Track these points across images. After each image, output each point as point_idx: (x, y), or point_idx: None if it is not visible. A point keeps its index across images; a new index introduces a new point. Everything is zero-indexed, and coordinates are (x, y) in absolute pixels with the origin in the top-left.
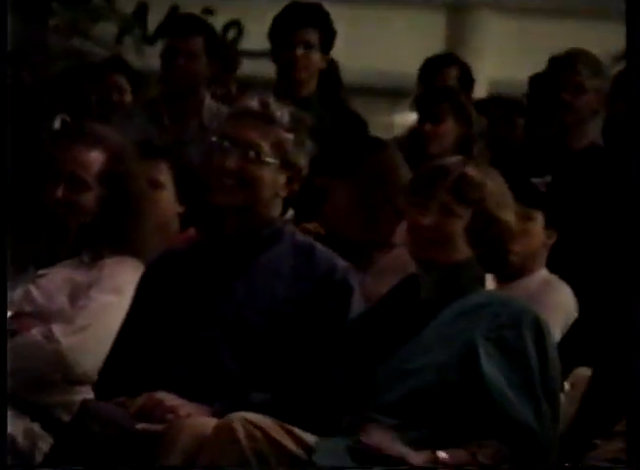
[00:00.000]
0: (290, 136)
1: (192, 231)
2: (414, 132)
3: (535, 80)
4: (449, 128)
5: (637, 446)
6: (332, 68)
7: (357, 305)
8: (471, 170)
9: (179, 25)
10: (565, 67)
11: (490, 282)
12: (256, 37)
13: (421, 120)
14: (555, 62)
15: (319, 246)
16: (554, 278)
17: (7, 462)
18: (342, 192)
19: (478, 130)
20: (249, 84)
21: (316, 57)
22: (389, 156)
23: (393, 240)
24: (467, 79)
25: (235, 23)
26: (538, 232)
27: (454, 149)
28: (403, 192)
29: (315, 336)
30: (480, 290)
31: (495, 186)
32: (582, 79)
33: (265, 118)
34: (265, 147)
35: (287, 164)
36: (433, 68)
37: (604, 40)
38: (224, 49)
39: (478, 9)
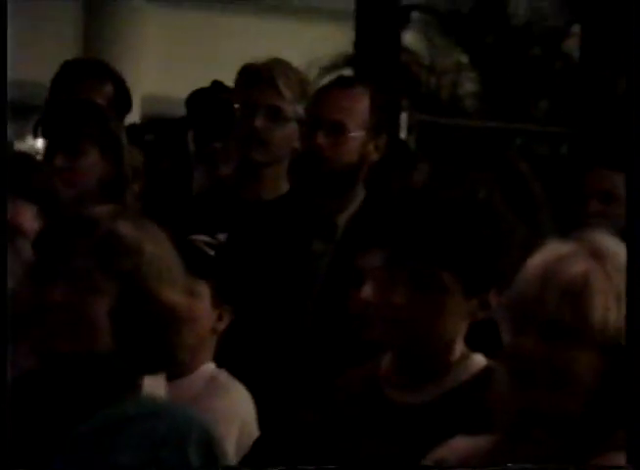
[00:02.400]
0: None
1: None
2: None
3: (200, 98)
4: (92, 164)
5: (637, 445)
6: None
7: None
8: (123, 227)
9: None
10: (259, 82)
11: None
12: None
13: (50, 151)
14: (246, 74)
15: None
16: (223, 375)
17: (7, 462)
18: None
19: (131, 168)
20: None
21: None
22: None
23: None
24: (123, 100)
25: None
26: (205, 313)
27: (99, 193)
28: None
29: None
30: (129, 396)
31: (157, 251)
32: (283, 104)
33: None
34: None
35: None
36: (73, 78)
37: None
38: None
39: None
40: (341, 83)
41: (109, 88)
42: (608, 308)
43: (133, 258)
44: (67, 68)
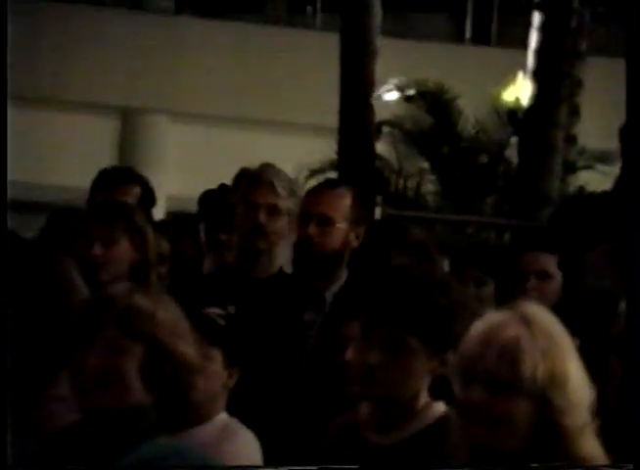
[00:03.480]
0: None
1: None
2: (82, 257)
3: (210, 198)
4: (122, 251)
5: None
6: None
7: None
8: (139, 299)
9: None
10: (259, 184)
11: None
12: None
13: (89, 241)
14: (247, 178)
15: None
16: (234, 424)
17: (7, 462)
18: None
19: (157, 254)
20: None
21: None
22: None
23: None
24: (149, 198)
25: None
26: (217, 373)
27: (129, 275)
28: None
29: None
30: (156, 440)
31: (167, 316)
32: (278, 201)
33: None
34: None
35: None
36: (108, 182)
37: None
38: None
39: (151, 114)
40: (328, 185)
41: (136, 190)
42: (536, 365)
43: (148, 322)
44: (103, 174)
